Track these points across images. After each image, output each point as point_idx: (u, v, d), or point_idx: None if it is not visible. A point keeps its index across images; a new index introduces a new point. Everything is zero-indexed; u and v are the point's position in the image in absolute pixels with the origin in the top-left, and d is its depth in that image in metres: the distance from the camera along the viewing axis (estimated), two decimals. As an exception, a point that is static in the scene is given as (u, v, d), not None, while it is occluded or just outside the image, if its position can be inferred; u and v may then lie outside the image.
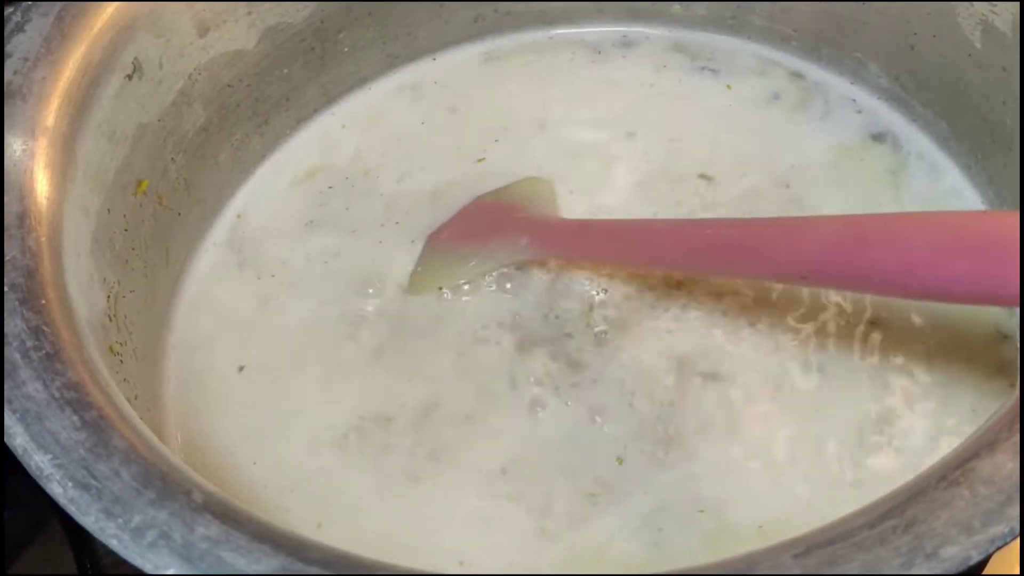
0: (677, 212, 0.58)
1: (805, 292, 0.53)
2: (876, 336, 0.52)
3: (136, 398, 0.49)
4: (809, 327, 0.52)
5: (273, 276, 0.58)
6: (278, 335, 0.56)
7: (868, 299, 0.53)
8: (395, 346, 0.55)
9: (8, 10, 0.50)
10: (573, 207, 0.59)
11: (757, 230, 0.49)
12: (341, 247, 0.59)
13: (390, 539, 0.48)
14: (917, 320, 0.52)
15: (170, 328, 0.56)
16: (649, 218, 0.57)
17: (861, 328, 0.52)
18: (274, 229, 0.60)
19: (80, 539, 0.56)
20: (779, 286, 0.54)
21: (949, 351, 0.51)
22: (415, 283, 0.57)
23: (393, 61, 0.66)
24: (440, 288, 0.56)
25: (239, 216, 0.61)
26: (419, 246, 0.58)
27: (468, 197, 0.60)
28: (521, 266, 0.56)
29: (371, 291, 0.57)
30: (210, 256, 0.59)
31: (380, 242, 0.59)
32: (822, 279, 0.47)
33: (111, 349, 0.47)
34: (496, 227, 0.57)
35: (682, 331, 0.53)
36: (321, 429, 0.52)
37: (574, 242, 0.56)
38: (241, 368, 0.55)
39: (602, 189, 0.60)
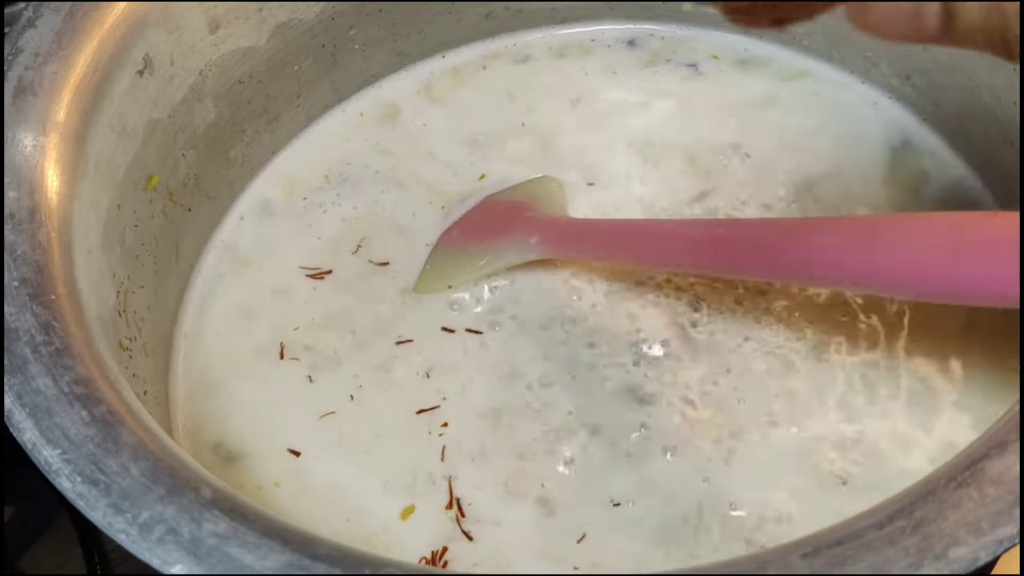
0: (693, 210, 0.58)
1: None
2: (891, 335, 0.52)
3: (145, 393, 0.49)
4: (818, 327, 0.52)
5: (282, 274, 0.58)
6: (287, 330, 0.56)
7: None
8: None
9: (19, 6, 0.50)
10: (583, 207, 0.59)
11: (768, 230, 0.48)
12: (351, 244, 0.59)
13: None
14: (928, 319, 0.52)
15: (180, 324, 0.56)
16: (658, 219, 0.57)
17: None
18: (283, 226, 0.60)
19: (89, 534, 0.56)
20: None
21: (960, 350, 0.51)
22: (423, 281, 0.57)
23: (403, 59, 0.66)
24: (449, 287, 0.56)
25: (250, 218, 0.61)
26: (430, 245, 0.58)
27: (478, 196, 0.60)
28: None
29: (382, 288, 0.57)
30: (219, 252, 0.59)
31: (390, 241, 0.59)
32: (832, 280, 0.47)
33: (121, 345, 0.47)
34: (506, 226, 0.57)
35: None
36: (330, 425, 0.52)
37: (583, 242, 0.56)
38: (251, 363, 0.55)
39: (617, 187, 0.60)
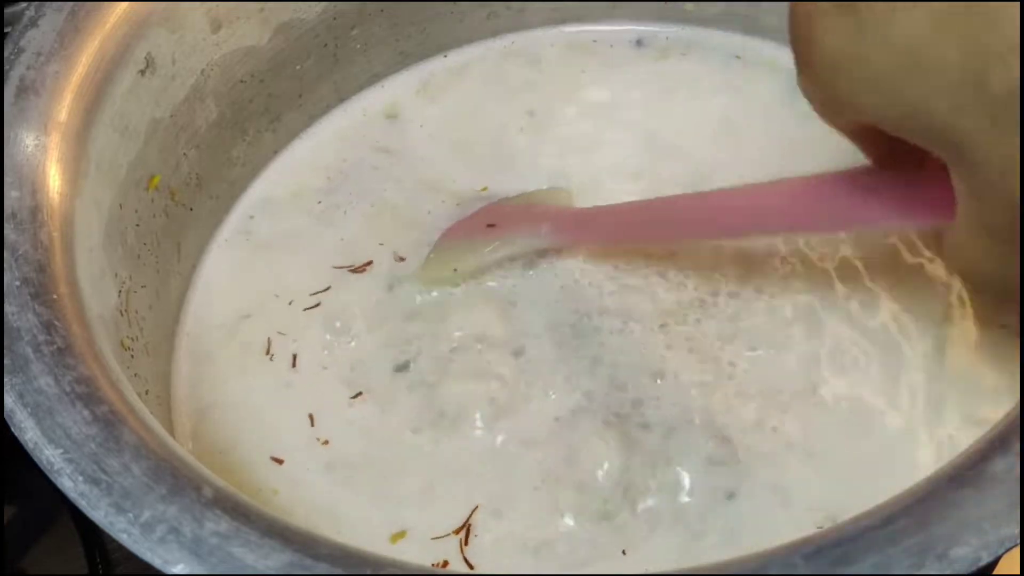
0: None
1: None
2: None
3: (147, 393, 0.49)
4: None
5: (285, 272, 0.58)
6: (290, 329, 0.55)
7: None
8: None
9: (21, 5, 0.50)
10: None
11: (776, 192, 0.50)
12: (354, 244, 0.59)
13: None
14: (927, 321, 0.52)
15: (182, 323, 0.56)
16: (669, 195, 0.56)
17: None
18: (286, 226, 0.60)
19: (90, 534, 0.56)
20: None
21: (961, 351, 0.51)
22: (427, 270, 0.56)
23: (406, 59, 0.66)
24: (455, 270, 0.55)
25: (252, 217, 0.61)
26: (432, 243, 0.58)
27: (482, 198, 0.60)
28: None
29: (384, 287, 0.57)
30: (222, 252, 0.59)
31: (393, 240, 0.59)
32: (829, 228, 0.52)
33: (122, 344, 0.48)
34: (514, 220, 0.57)
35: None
36: (335, 423, 0.52)
37: (598, 226, 0.56)
38: (253, 364, 0.55)
39: (615, 184, 0.60)
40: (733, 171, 0.59)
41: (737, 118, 0.62)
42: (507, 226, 0.57)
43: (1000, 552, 0.33)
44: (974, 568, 0.33)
